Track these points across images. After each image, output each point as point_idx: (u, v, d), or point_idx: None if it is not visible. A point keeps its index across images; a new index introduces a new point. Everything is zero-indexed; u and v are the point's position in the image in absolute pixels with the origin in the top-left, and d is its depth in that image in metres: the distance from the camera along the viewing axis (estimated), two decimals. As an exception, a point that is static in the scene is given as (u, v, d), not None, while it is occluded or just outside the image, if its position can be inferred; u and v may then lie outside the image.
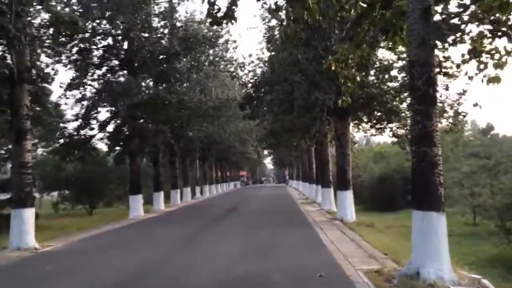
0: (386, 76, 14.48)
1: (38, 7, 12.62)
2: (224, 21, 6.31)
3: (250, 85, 16.80)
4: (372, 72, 14.60)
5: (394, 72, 14.62)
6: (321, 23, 10.83)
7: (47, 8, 12.32)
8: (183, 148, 31.47)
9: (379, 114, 15.99)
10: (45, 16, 13.36)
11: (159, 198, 24.01)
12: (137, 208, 19.92)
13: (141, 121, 20.77)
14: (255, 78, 16.37)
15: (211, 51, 27.95)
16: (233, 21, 6.28)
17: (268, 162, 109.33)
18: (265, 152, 78.43)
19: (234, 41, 27.48)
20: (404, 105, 14.98)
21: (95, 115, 20.81)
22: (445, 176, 22.06)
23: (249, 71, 16.81)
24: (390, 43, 8.64)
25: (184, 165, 33.61)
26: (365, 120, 16.83)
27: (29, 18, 12.22)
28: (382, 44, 11.40)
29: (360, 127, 20.87)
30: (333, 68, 7.85)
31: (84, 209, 25.24)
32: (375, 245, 10.08)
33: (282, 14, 7.78)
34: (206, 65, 28.30)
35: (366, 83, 15.03)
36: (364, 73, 13.78)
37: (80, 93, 20.03)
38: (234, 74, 18.66)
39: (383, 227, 15.80)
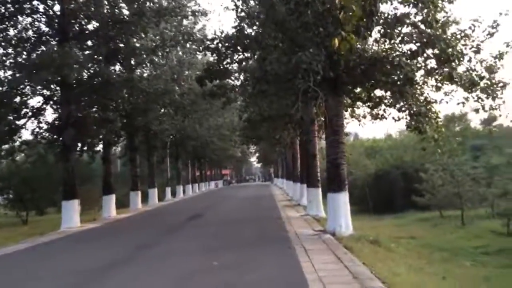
0: (396, 31, 10.25)
1: None
2: None
3: (211, 52, 12.33)
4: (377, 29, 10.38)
5: (407, 29, 10.39)
6: None
7: None
8: (147, 143, 27.05)
9: (383, 90, 11.78)
10: None
11: (110, 203, 19.58)
12: (70, 218, 15.45)
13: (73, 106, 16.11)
14: (219, 42, 11.92)
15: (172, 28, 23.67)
16: None
17: (254, 160, 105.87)
18: (251, 150, 74.93)
19: (205, 13, 23.18)
20: (419, 74, 10.79)
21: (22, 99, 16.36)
22: (456, 172, 18.11)
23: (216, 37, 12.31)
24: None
25: (150, 163, 29.10)
26: (365, 97, 12.60)
27: None
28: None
29: (355, 109, 16.79)
30: None
31: (18, 216, 20.63)
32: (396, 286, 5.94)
33: None
34: (172, 43, 24.00)
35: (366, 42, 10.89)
36: (366, 25, 9.60)
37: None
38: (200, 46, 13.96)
39: (389, 241, 11.68)
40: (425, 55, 10.41)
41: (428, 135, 10.41)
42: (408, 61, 10.22)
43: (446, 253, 11.58)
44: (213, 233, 12.24)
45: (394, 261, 8.48)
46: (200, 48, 12.66)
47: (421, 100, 11.15)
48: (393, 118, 12.69)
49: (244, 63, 12.78)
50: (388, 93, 12.29)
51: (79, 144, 17.17)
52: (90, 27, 17.77)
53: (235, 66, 14.93)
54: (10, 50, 16.35)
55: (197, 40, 15.30)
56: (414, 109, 10.22)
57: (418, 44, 10.40)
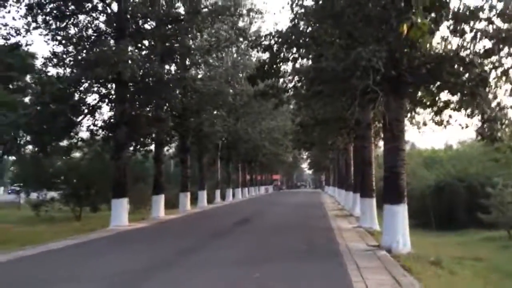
0: (467, 28, 9.13)
1: None
2: None
3: (264, 50, 11.72)
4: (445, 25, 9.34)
5: (480, 25, 9.23)
6: None
7: None
8: (199, 144, 27.00)
9: (450, 92, 10.62)
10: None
11: (159, 203, 19.55)
12: (120, 216, 15.47)
13: (127, 104, 16.15)
14: (272, 38, 11.31)
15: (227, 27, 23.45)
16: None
17: (305, 167, 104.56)
18: (304, 156, 73.81)
19: (260, 12, 22.78)
20: (492, 76, 9.55)
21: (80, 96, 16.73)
22: None
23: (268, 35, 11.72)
24: None
25: (200, 164, 29.08)
26: (428, 102, 11.48)
27: None
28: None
29: (416, 114, 15.57)
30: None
31: (73, 212, 21.12)
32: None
33: None
34: (227, 44, 23.81)
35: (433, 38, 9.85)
36: (435, 18, 8.62)
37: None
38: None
39: (452, 262, 10.48)
40: (502, 53, 9.24)
41: (504, 143, 9.18)
42: (482, 60, 9.10)
43: (519, 279, 10.22)
44: (259, 242, 11.63)
45: (459, 284, 7.43)
46: (253, 45, 12.02)
47: (494, 105, 9.93)
48: (460, 125, 11.44)
49: (299, 61, 12.04)
50: (456, 97, 11.16)
51: (132, 143, 17.22)
52: (147, 26, 17.94)
53: (289, 66, 14.35)
54: (70, 48, 16.77)
55: (251, 40, 14.89)
56: (488, 113, 9.01)
57: (493, 41, 9.23)
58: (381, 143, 24.39)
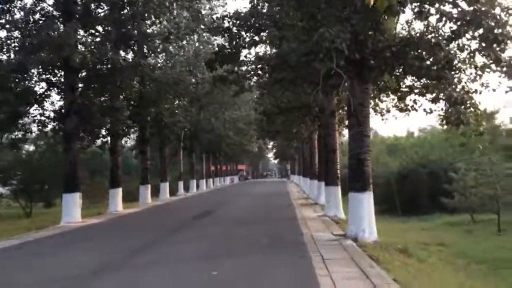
0: (433, 10, 8.74)
1: None
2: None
3: (222, 33, 10.96)
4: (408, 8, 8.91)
5: (445, 8, 8.85)
6: None
7: None
8: (159, 135, 26.00)
9: (415, 76, 10.30)
10: None
11: (116, 197, 18.56)
12: (71, 212, 14.45)
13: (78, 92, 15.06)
14: (231, 20, 10.58)
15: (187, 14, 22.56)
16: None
17: (271, 156, 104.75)
18: (269, 146, 73.58)
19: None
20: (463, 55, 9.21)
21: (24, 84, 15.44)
22: (492, 172, 16.42)
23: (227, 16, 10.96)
24: None
25: (162, 156, 28.07)
26: (393, 85, 11.14)
27: None
28: None
29: (380, 101, 15.32)
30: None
31: (23, 208, 19.80)
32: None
33: None
34: (187, 32, 22.90)
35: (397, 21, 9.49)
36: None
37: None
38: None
39: (418, 248, 10.31)
40: (467, 36, 8.95)
41: (471, 127, 8.94)
42: (447, 43, 8.77)
43: (485, 265, 10.15)
44: (220, 235, 11.02)
45: (430, 276, 7.12)
46: (211, 28, 11.28)
47: (459, 89, 9.68)
48: (425, 110, 11.16)
49: (259, 46, 11.44)
50: (420, 82, 10.89)
51: (83, 134, 16.13)
52: (100, 11, 16.79)
53: (249, 53, 13.74)
54: (16, 34, 15.44)
55: (210, 23, 14.09)
56: (454, 97, 8.71)
57: (458, 24, 8.91)
58: (345, 132, 24.29)
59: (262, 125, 25.19)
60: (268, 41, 11.23)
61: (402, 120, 67.10)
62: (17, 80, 14.99)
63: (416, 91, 11.29)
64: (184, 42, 28.11)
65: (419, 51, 8.95)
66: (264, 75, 14.35)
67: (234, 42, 10.99)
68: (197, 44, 31.37)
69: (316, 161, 22.35)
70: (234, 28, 10.75)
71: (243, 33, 10.96)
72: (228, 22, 10.71)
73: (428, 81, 9.74)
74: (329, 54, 8.05)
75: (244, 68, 14.07)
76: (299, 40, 8.55)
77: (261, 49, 15.15)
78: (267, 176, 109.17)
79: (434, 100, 10.07)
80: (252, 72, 13.94)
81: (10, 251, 9.47)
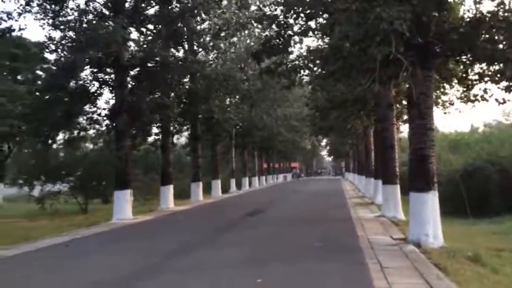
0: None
1: None
2: None
3: (269, 21, 10.32)
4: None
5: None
6: None
7: None
8: (211, 132, 25.89)
9: (485, 62, 9.12)
10: None
11: (167, 194, 18.54)
12: (123, 209, 14.49)
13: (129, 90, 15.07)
14: (278, 7, 9.92)
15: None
16: None
17: (325, 154, 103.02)
18: (323, 143, 72.19)
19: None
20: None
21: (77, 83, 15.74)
22: None
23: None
24: None
25: (214, 153, 27.99)
26: (460, 73, 9.98)
27: None
28: None
29: (442, 94, 14.08)
30: None
31: (79, 205, 20.35)
32: None
33: None
34: (237, 27, 22.63)
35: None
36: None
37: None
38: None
39: (491, 255, 9.09)
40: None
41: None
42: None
43: None
44: (269, 236, 10.43)
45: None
46: (257, 17, 10.69)
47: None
48: (497, 100, 9.91)
49: (309, 35, 10.65)
50: (492, 68, 9.66)
51: (134, 131, 16.18)
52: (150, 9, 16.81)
53: (299, 46, 13.02)
54: (70, 34, 15.73)
55: (256, 12, 13.49)
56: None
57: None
58: (402, 128, 22.84)
59: (314, 121, 24.32)
60: (319, 29, 10.42)
61: (463, 115, 63.25)
62: (70, 79, 15.27)
63: (486, 79, 10.07)
64: (235, 38, 27.94)
65: (494, 30, 7.81)
66: (315, 68, 13.59)
67: (282, 31, 10.28)
68: (248, 41, 31.03)
69: (372, 158, 21.17)
70: (282, 16, 10.06)
71: (291, 21, 10.24)
72: (275, 9, 10.06)
73: (503, 66, 8.52)
74: (387, 37, 7.18)
75: (293, 59, 13.43)
76: (352, 24, 7.69)
77: (313, 43, 14.44)
78: (321, 174, 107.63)
79: (509, 88, 8.84)
80: (302, 65, 13.21)
81: (56, 249, 9.42)
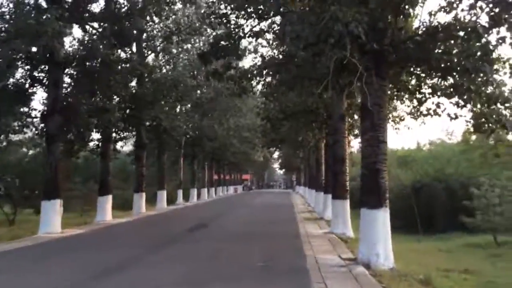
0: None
1: None
2: None
3: (218, 19, 9.53)
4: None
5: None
6: None
7: None
8: (157, 140, 24.65)
9: (442, 76, 8.79)
10: None
11: (105, 205, 17.09)
12: (51, 221, 13.02)
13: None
14: (228, 5, 9.18)
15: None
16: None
17: (277, 167, 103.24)
18: (275, 156, 72.03)
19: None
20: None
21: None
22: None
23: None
24: None
25: (160, 162, 26.67)
26: (413, 86, 9.65)
27: None
28: None
29: (394, 106, 13.94)
30: None
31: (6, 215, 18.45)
32: None
33: None
34: (189, 31, 21.84)
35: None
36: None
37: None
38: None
39: (442, 277, 8.73)
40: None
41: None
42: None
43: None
44: (210, 254, 9.52)
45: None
46: (206, 15, 9.91)
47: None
48: (449, 115, 9.57)
49: (259, 37, 10.01)
50: (446, 82, 9.37)
51: (68, 136, 14.79)
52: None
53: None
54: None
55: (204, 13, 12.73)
56: (495, 95, 7.17)
57: (497, 10, 7.41)
58: (353, 143, 22.72)
59: (266, 132, 23.75)
60: (270, 31, 9.78)
61: (409, 132, 65.33)
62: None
63: (439, 93, 9.80)
64: (189, 45, 27.01)
65: (451, 41, 7.44)
66: (268, 75, 13.00)
67: (232, 33, 9.54)
68: (201, 45, 30.18)
69: (322, 172, 20.82)
70: (232, 15, 9.33)
71: (242, 21, 9.54)
72: (225, 7, 9.31)
73: (458, 78, 8.19)
74: (342, 40, 6.61)
75: (247, 68, 12.77)
76: (304, 22, 7.05)
77: (268, 53, 14.01)
78: (273, 186, 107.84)
79: (465, 101, 8.52)
80: (255, 72, 12.54)
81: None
